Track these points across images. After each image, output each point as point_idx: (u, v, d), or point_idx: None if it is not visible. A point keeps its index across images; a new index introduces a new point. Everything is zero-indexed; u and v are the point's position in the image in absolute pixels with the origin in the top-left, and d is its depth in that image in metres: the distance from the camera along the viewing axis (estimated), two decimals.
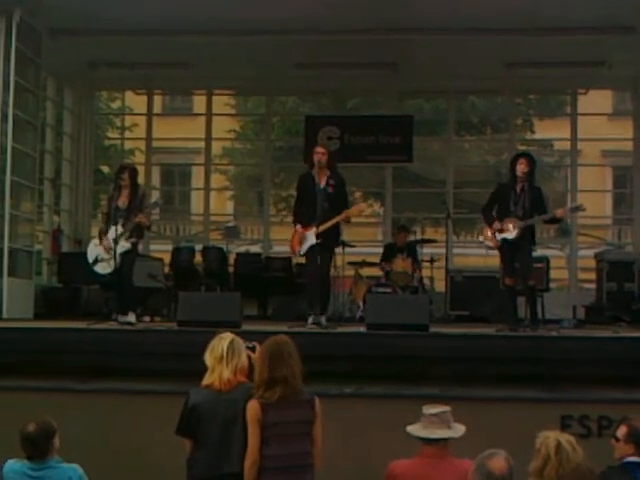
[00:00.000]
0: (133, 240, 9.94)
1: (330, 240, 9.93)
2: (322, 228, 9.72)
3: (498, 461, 4.53)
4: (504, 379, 8.11)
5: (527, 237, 9.59)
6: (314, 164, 9.94)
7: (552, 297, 12.64)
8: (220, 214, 20.42)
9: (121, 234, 9.79)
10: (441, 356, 8.38)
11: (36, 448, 5.48)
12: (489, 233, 9.74)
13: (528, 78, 15.17)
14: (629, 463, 5.32)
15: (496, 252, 9.99)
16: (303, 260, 10.49)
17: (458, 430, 5.31)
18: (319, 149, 10.16)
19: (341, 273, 12.57)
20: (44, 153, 14.87)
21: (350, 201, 10.86)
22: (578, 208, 10.28)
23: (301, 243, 9.92)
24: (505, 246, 9.64)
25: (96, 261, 10.07)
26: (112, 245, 9.79)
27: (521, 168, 9.61)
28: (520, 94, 17.68)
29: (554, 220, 9.96)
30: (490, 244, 9.82)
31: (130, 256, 9.97)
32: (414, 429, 5.32)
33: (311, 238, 9.81)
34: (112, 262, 9.85)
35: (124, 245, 9.84)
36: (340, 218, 9.85)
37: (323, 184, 9.88)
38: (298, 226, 9.96)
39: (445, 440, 5.25)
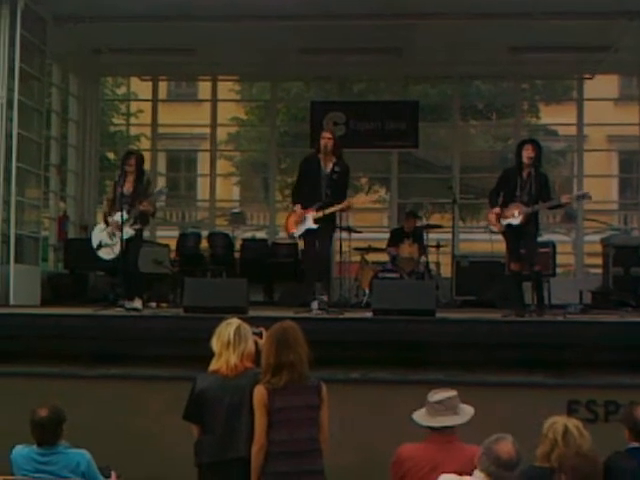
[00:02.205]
0: (137, 227, 9.94)
1: (328, 226, 9.93)
2: (322, 214, 9.73)
3: (505, 445, 4.55)
4: (510, 364, 8.12)
5: (532, 223, 9.59)
6: (320, 148, 9.94)
7: (558, 282, 12.64)
8: (226, 200, 20.46)
9: (125, 220, 9.80)
10: (447, 341, 8.38)
11: (46, 433, 5.52)
12: (493, 217, 9.75)
13: (534, 63, 15.14)
14: (633, 449, 5.32)
15: (502, 237, 10.00)
16: (302, 244, 10.50)
17: (465, 414, 5.30)
18: (326, 134, 10.15)
19: (347, 259, 12.57)
20: (50, 139, 14.87)
21: (357, 186, 10.82)
22: (584, 196, 10.25)
23: (297, 225, 9.92)
24: (510, 231, 9.64)
25: (100, 246, 10.08)
26: (119, 225, 9.78)
27: (527, 154, 9.60)
28: (526, 79, 17.63)
29: (558, 205, 9.95)
30: (494, 228, 9.86)
31: (134, 242, 9.97)
32: (420, 417, 5.32)
33: (309, 222, 9.82)
34: (116, 248, 9.86)
35: (128, 231, 9.84)
36: (341, 207, 9.85)
37: (328, 170, 9.87)
38: (297, 206, 9.94)
39: (451, 427, 5.26)
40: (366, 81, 18.95)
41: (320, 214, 9.74)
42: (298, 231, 9.95)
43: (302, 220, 9.85)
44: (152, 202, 10.16)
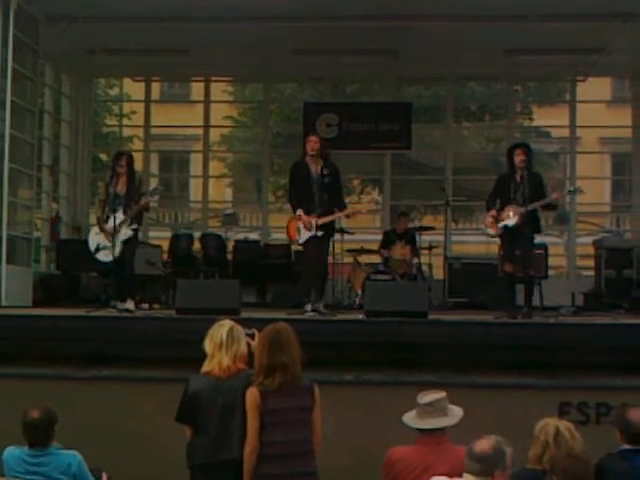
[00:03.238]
0: (134, 227, 9.94)
1: (329, 230, 9.95)
2: (323, 221, 9.73)
3: (481, 442, 4.53)
4: (502, 366, 8.13)
5: (529, 225, 9.65)
6: (307, 152, 9.93)
7: (550, 284, 12.65)
8: (219, 201, 20.47)
9: (122, 221, 9.79)
10: (440, 343, 8.39)
11: (39, 435, 5.51)
12: (490, 220, 9.79)
13: (527, 65, 15.17)
14: (625, 451, 5.32)
15: (495, 239, 10.03)
16: (301, 247, 10.47)
17: (454, 415, 5.31)
18: (312, 138, 10.13)
19: (340, 260, 12.57)
20: (42, 140, 14.83)
21: (350, 188, 10.79)
22: (576, 190, 10.31)
23: (300, 231, 9.87)
24: (506, 233, 9.70)
25: (98, 249, 10.05)
26: (115, 226, 9.77)
27: (519, 158, 9.72)
28: (519, 81, 17.67)
29: (552, 205, 9.98)
30: (491, 232, 9.88)
31: (132, 243, 9.98)
32: (409, 419, 5.32)
33: (313, 229, 9.77)
34: (114, 249, 9.83)
35: (126, 232, 9.83)
36: (344, 214, 9.90)
37: (318, 173, 9.86)
38: (300, 211, 9.90)
39: (441, 429, 5.26)
40: (359, 82, 18.95)
41: (321, 222, 9.73)
42: (302, 238, 9.90)
43: (307, 227, 9.80)
44: (146, 200, 10.16)
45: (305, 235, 9.84)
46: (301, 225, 9.84)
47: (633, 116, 15.62)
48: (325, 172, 9.84)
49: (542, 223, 10.25)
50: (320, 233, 9.75)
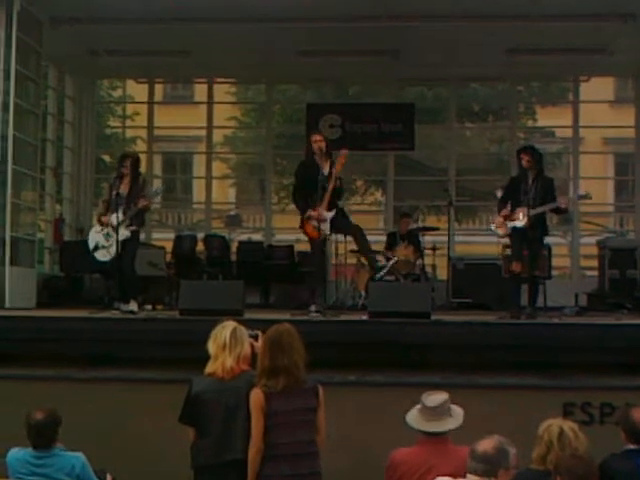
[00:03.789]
0: (133, 228, 9.94)
1: (337, 208, 9.97)
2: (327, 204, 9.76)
3: (484, 442, 4.53)
4: (506, 366, 8.12)
5: (538, 227, 9.71)
6: (314, 152, 9.91)
7: (554, 284, 12.63)
8: (222, 202, 20.46)
9: (121, 222, 9.80)
10: (443, 343, 8.39)
11: (43, 437, 5.52)
12: (500, 220, 9.86)
13: (530, 65, 15.13)
14: (629, 451, 5.32)
15: (500, 240, 10.07)
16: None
17: (458, 416, 5.31)
18: (317, 137, 10.08)
19: (343, 261, 12.56)
20: (45, 141, 14.85)
21: (353, 189, 10.79)
22: (585, 196, 10.33)
23: (318, 228, 9.80)
24: (515, 234, 9.78)
25: (96, 248, 10.07)
26: (114, 225, 9.77)
27: (525, 162, 9.81)
28: (522, 81, 17.63)
29: (559, 210, 10.01)
30: (500, 232, 9.95)
31: (131, 244, 9.97)
32: (414, 421, 5.30)
33: (328, 216, 9.75)
34: (112, 249, 9.85)
35: (124, 233, 9.84)
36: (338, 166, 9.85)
37: (326, 171, 9.84)
38: (310, 211, 9.82)
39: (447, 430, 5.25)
40: (362, 83, 18.94)
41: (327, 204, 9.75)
42: (323, 231, 9.83)
43: (322, 218, 9.78)
44: (145, 201, 10.15)
45: (325, 226, 9.79)
46: (315, 222, 9.78)
47: (636, 116, 15.59)
48: (332, 170, 9.83)
49: (546, 223, 10.24)
50: (333, 213, 9.76)
